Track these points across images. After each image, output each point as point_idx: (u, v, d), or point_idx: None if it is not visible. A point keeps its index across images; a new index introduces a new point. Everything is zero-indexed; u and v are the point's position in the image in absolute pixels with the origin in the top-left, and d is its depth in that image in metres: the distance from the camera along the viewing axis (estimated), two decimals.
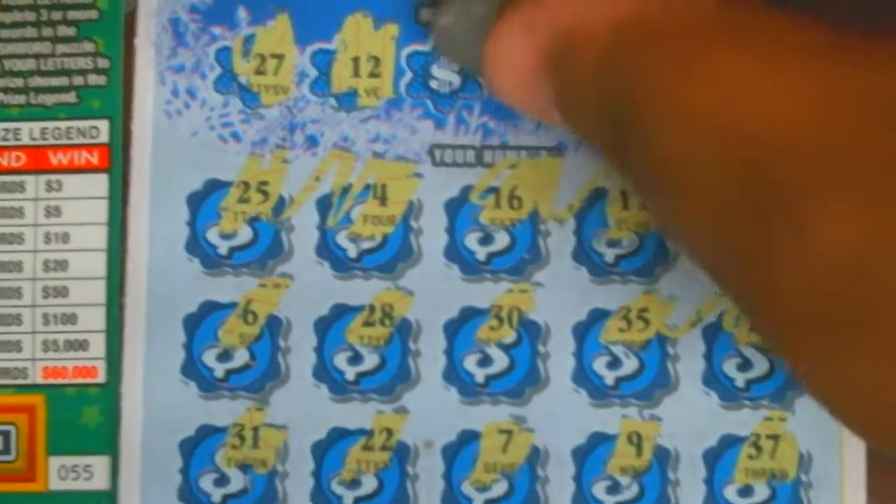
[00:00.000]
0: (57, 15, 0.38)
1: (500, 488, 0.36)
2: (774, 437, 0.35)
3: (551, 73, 0.30)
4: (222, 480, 0.36)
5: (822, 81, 0.24)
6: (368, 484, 0.36)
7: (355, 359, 0.36)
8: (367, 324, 0.36)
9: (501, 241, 0.36)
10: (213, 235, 0.37)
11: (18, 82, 0.37)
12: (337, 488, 0.36)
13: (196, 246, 0.37)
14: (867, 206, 0.22)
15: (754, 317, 0.26)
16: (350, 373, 0.36)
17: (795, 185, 0.23)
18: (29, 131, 0.37)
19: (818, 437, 0.35)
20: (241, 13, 0.37)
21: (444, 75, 0.36)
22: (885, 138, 0.23)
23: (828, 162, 0.23)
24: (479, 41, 0.31)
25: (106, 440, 0.37)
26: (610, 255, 0.36)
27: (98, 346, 0.37)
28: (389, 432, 0.36)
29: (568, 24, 0.29)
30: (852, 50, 0.24)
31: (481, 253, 0.36)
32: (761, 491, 0.36)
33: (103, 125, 0.37)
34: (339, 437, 0.36)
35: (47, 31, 0.38)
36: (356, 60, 0.37)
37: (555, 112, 0.31)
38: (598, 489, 0.36)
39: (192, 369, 0.36)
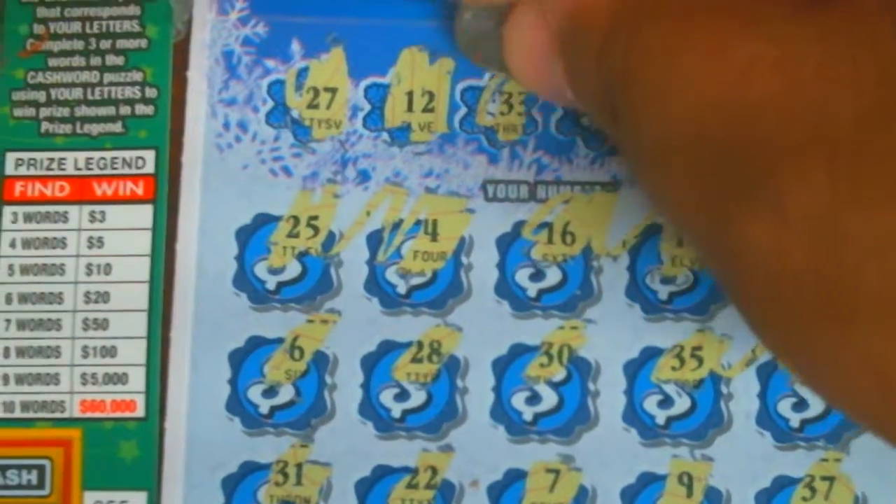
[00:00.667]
0: (105, 44, 0.38)
1: None
2: (829, 479, 0.35)
3: (561, 54, 0.31)
4: None
5: (793, 45, 0.24)
6: None
7: (402, 396, 0.36)
8: (415, 360, 0.36)
9: (553, 277, 0.36)
10: (261, 270, 0.36)
11: (65, 111, 0.37)
12: None
13: (244, 280, 0.36)
14: (839, 166, 0.23)
15: (733, 293, 0.27)
16: (396, 410, 0.36)
17: (769, 148, 0.24)
18: (74, 161, 0.37)
19: (874, 479, 0.35)
20: (295, 46, 0.37)
21: (503, 109, 0.37)
22: (854, 99, 0.23)
23: (800, 124, 0.24)
24: (499, 35, 0.32)
25: (143, 475, 0.36)
26: (663, 292, 0.36)
27: (138, 379, 0.36)
28: (434, 470, 0.36)
29: (575, 6, 0.30)
30: (819, 13, 0.25)
31: (532, 289, 0.36)
32: None
33: (149, 155, 0.37)
34: (383, 474, 0.36)
35: (95, 60, 0.38)
36: (410, 95, 0.37)
37: (567, 92, 0.31)
38: None
39: (237, 405, 0.36)
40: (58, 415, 0.36)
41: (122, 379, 0.36)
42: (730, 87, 0.25)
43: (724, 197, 0.25)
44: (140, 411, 0.36)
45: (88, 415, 0.36)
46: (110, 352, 0.37)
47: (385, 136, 0.37)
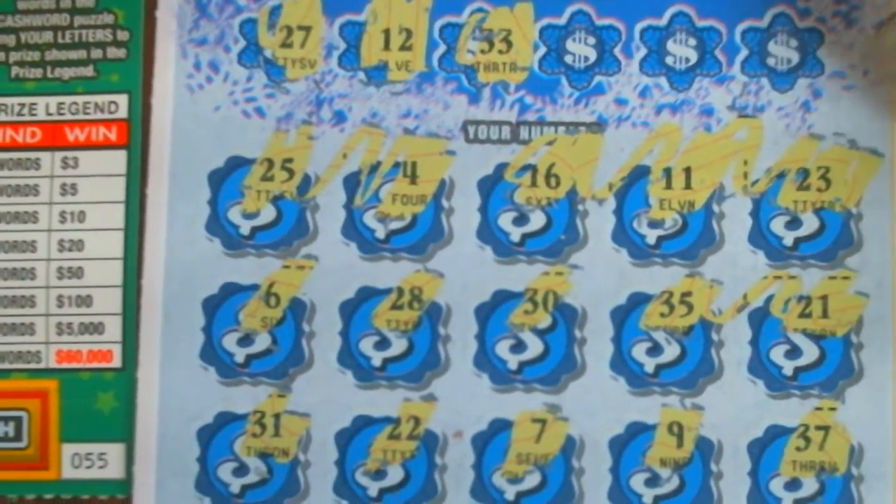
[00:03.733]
0: None
1: (532, 480, 0.34)
2: (824, 429, 0.34)
3: None
4: (241, 470, 0.35)
5: None
6: (394, 474, 0.35)
7: (382, 344, 0.35)
8: (395, 307, 0.35)
9: (537, 221, 0.35)
10: (234, 215, 0.35)
11: (35, 55, 0.36)
12: (361, 479, 0.35)
13: (217, 225, 0.35)
14: None
15: None
16: (376, 358, 0.35)
17: None
18: (45, 106, 0.36)
19: (871, 429, 0.34)
20: None
21: (483, 47, 0.35)
22: None
23: None
24: None
25: (121, 427, 0.35)
26: (651, 236, 0.35)
27: (114, 329, 0.36)
28: (417, 421, 0.35)
29: None
30: None
31: (516, 234, 0.35)
32: (809, 485, 0.34)
33: (122, 100, 0.36)
34: (364, 425, 0.35)
35: (65, 2, 0.36)
36: (387, 32, 0.35)
37: None
38: (636, 482, 0.34)
39: (212, 354, 0.35)
40: (34, 365, 0.36)
41: (98, 328, 0.36)
42: None
43: None
44: (117, 361, 0.35)
45: (65, 365, 0.36)
46: (86, 301, 0.36)
47: (361, 75, 0.35)
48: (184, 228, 0.35)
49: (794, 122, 0.35)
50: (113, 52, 0.36)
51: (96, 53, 0.36)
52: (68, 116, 0.36)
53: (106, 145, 0.36)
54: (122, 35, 0.36)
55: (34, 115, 0.36)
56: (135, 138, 0.36)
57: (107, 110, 0.36)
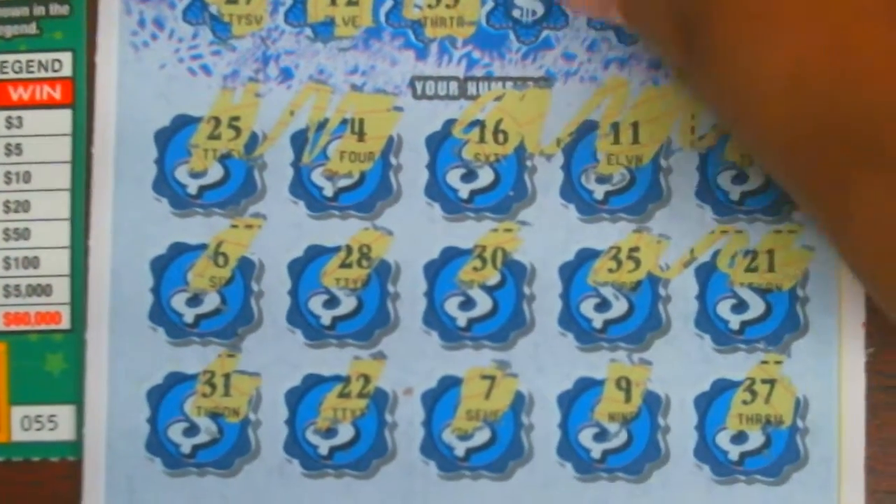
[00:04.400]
0: None
1: (482, 436, 0.35)
2: (770, 382, 0.34)
3: None
4: (192, 430, 0.35)
5: None
6: (345, 432, 0.35)
7: (331, 302, 0.35)
8: (344, 265, 0.35)
9: (485, 177, 0.35)
10: (181, 174, 0.35)
11: None
12: (312, 437, 0.35)
13: (164, 185, 0.35)
14: None
15: (837, 242, 0.26)
16: (326, 317, 0.35)
17: (881, 105, 0.22)
18: None
19: (816, 382, 0.34)
20: None
21: (430, 2, 0.35)
22: None
23: None
24: None
25: (71, 388, 0.35)
26: (599, 191, 0.35)
27: (62, 290, 0.35)
28: (367, 379, 0.35)
29: None
30: None
31: (464, 190, 0.35)
32: (755, 438, 0.34)
33: (66, 58, 0.36)
34: (314, 384, 0.35)
35: None
36: None
37: (614, 8, 0.29)
38: (585, 436, 0.34)
39: (161, 314, 0.35)
40: None
41: (45, 290, 0.35)
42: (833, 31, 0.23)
43: (826, 146, 0.24)
44: (65, 323, 0.35)
45: (13, 328, 0.35)
46: (33, 262, 0.35)
47: (308, 31, 0.35)
48: (131, 188, 0.35)
49: None
50: (56, 9, 0.36)
51: (39, 10, 0.36)
52: (11, 75, 0.36)
53: (50, 104, 0.35)
54: None
55: None
56: (80, 97, 0.35)
57: (50, 68, 0.36)
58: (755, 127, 0.26)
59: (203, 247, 0.35)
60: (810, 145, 0.25)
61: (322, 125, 0.35)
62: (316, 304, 0.35)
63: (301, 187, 0.35)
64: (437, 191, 0.35)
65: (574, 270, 0.34)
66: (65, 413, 0.35)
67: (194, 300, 0.35)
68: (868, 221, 0.24)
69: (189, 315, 0.35)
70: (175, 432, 0.35)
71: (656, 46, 0.32)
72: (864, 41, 0.23)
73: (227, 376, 0.35)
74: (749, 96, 0.25)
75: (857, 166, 0.24)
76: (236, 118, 0.35)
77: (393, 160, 0.35)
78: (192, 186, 0.35)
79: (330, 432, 0.35)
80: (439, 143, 0.35)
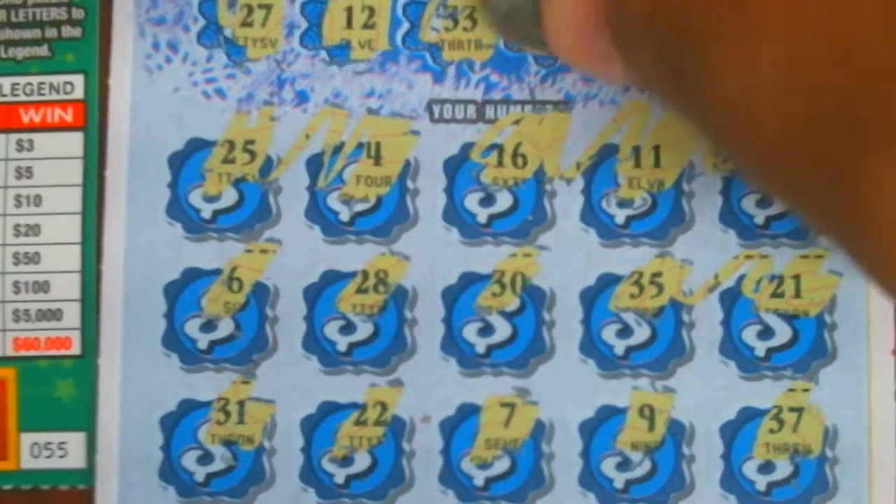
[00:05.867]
0: None
1: (501, 465, 0.34)
2: (798, 410, 0.33)
3: (607, 22, 0.28)
4: (206, 458, 0.34)
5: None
6: (361, 461, 0.34)
7: (347, 328, 0.34)
8: (361, 291, 0.34)
9: (504, 201, 0.34)
10: (195, 198, 0.34)
11: None
12: (328, 466, 0.34)
13: (178, 209, 0.34)
14: None
15: (856, 252, 0.24)
16: (342, 343, 0.34)
17: (874, 119, 0.21)
18: None
19: (845, 410, 0.33)
20: None
21: (447, 24, 0.34)
22: None
23: None
24: (536, 10, 0.30)
25: (81, 415, 0.34)
26: (620, 215, 0.34)
27: (72, 315, 0.35)
28: (384, 406, 0.34)
29: None
30: None
31: (482, 215, 0.34)
32: (783, 467, 0.33)
33: (78, 80, 0.35)
34: (330, 411, 0.34)
35: None
36: (349, 10, 0.34)
37: (616, 64, 0.29)
38: (607, 466, 0.34)
39: (174, 340, 0.34)
40: None
41: (56, 315, 0.35)
42: (829, 13, 0.22)
43: (840, 143, 0.22)
44: (76, 349, 0.35)
45: (22, 353, 0.35)
46: (43, 287, 0.35)
47: (323, 54, 0.35)
48: (143, 212, 0.34)
49: None
50: (68, 31, 0.35)
51: (51, 32, 0.35)
52: (22, 97, 0.35)
53: (62, 127, 0.35)
54: (78, 13, 0.35)
55: None
56: (92, 120, 0.35)
57: (62, 91, 0.35)
58: (756, 142, 0.25)
59: (217, 272, 0.34)
60: (815, 145, 0.23)
61: (338, 149, 0.34)
62: (332, 330, 0.34)
63: (317, 212, 0.34)
64: (454, 215, 0.34)
65: (595, 296, 0.34)
66: (75, 440, 0.35)
67: (208, 326, 0.34)
68: (890, 216, 0.23)
69: (203, 341, 0.34)
70: (189, 460, 0.34)
71: (650, 90, 0.31)
72: (862, 13, 0.22)
73: (241, 403, 0.34)
74: (746, 109, 0.24)
75: (869, 153, 0.22)
76: (251, 142, 0.34)
77: (410, 184, 0.34)
78: (206, 211, 0.34)
79: (346, 461, 0.34)
80: (457, 166, 0.34)
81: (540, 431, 0.34)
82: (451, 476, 0.34)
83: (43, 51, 0.35)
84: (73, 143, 0.35)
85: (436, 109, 0.34)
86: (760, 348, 0.34)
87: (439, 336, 0.34)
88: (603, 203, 0.34)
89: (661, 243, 0.34)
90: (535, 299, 0.34)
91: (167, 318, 0.34)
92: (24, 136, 0.35)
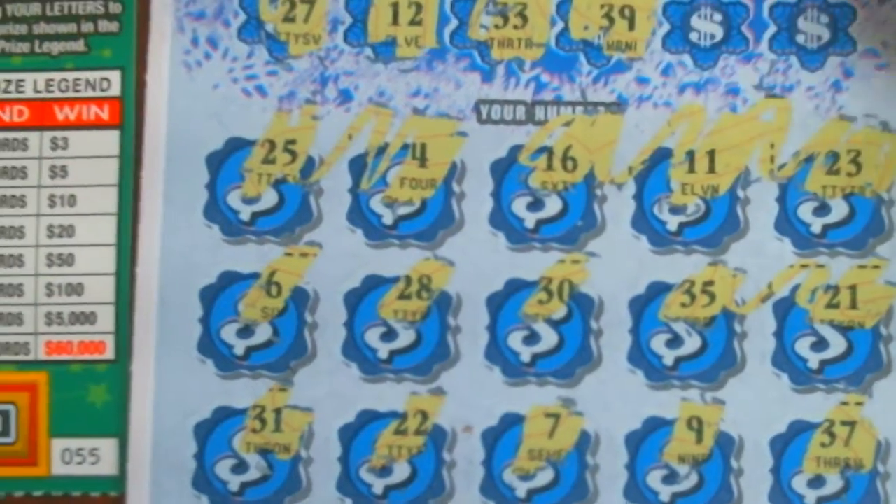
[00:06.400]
0: None
1: (545, 477, 0.33)
2: (850, 424, 0.33)
3: None
4: (241, 467, 0.33)
5: None
6: (401, 471, 0.33)
7: (389, 335, 0.33)
8: (403, 297, 0.33)
9: (553, 206, 0.33)
10: (234, 199, 0.34)
11: (22, 29, 0.35)
12: (366, 476, 0.33)
13: (216, 211, 0.34)
14: None
15: None
16: (383, 350, 0.33)
17: None
18: (33, 83, 0.34)
19: None
20: None
21: (497, 21, 0.34)
22: None
23: None
24: None
25: (114, 421, 0.34)
26: (673, 222, 0.33)
27: (106, 319, 0.34)
28: (424, 415, 0.33)
29: None
30: None
31: (530, 220, 0.33)
32: (834, 482, 0.33)
33: (115, 76, 0.34)
34: (369, 420, 0.33)
35: None
36: (395, 6, 0.34)
37: None
38: (654, 478, 0.33)
39: (210, 346, 0.34)
40: (22, 357, 0.34)
41: (89, 319, 0.34)
42: None
43: None
44: (109, 353, 0.34)
45: (55, 357, 0.34)
46: (76, 289, 0.34)
47: (368, 51, 0.34)
48: (180, 214, 0.34)
49: (823, 102, 0.33)
50: (105, 26, 0.35)
51: (87, 27, 0.35)
52: (57, 94, 0.35)
53: (98, 125, 0.34)
54: (115, 8, 0.35)
55: (21, 92, 0.35)
56: (128, 118, 0.34)
57: (98, 87, 0.35)
58: None
59: (255, 276, 0.34)
60: None
61: (382, 150, 0.34)
62: (373, 336, 0.33)
63: (359, 215, 0.34)
64: (501, 219, 0.33)
65: (644, 304, 0.33)
66: (107, 446, 0.34)
67: (245, 331, 0.34)
68: None
69: (239, 347, 0.34)
70: (223, 469, 0.33)
71: None
72: None
73: (278, 411, 0.33)
74: None
75: None
76: (292, 141, 0.34)
77: (456, 187, 0.34)
78: (245, 212, 0.34)
79: (385, 471, 0.33)
80: (505, 169, 0.34)
81: (585, 443, 0.33)
82: (492, 487, 0.33)
83: (79, 46, 0.35)
84: (109, 141, 0.34)
85: (483, 110, 0.34)
86: (814, 360, 0.33)
87: (483, 344, 0.33)
88: (655, 209, 0.33)
89: (714, 251, 0.33)
90: (582, 307, 0.33)
91: (203, 323, 0.34)
92: (59, 133, 0.34)
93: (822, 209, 0.33)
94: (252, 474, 0.33)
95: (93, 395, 0.34)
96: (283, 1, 0.34)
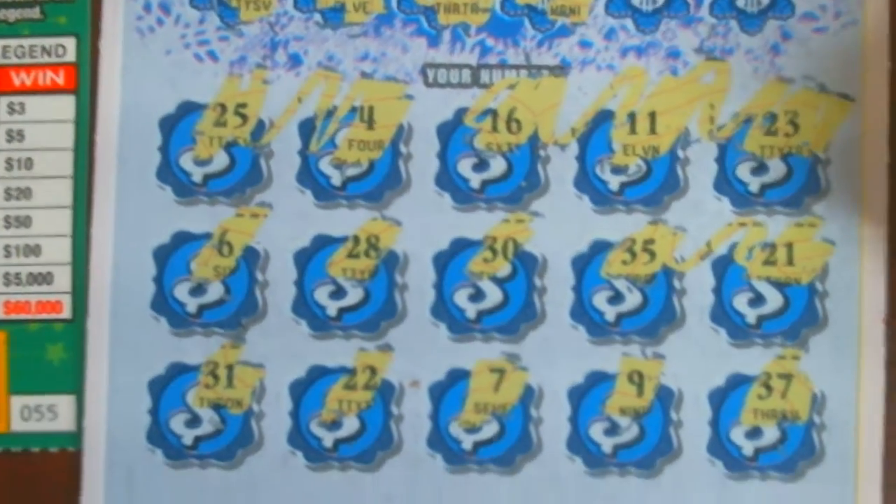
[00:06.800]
0: None
1: (490, 430, 0.34)
2: (786, 377, 0.33)
3: None
4: (194, 421, 0.34)
5: None
6: (350, 425, 0.34)
7: (338, 293, 0.34)
8: (351, 256, 0.34)
9: (497, 167, 0.34)
10: (186, 161, 0.34)
11: None
12: (316, 429, 0.34)
13: (168, 173, 0.34)
14: None
15: None
16: (332, 308, 0.34)
17: None
18: None
19: (834, 377, 0.33)
20: None
21: None
22: None
23: None
24: None
25: (71, 378, 0.34)
26: (614, 182, 0.34)
27: (63, 279, 0.35)
28: (373, 370, 0.34)
29: None
30: None
31: (475, 180, 0.34)
32: (771, 433, 0.33)
33: (70, 43, 0.35)
34: (319, 375, 0.34)
35: None
36: None
37: None
38: (596, 431, 0.34)
39: (163, 304, 0.34)
40: None
41: (46, 279, 0.35)
42: None
43: None
44: (66, 312, 0.35)
45: (13, 316, 0.35)
46: (34, 250, 0.35)
47: (317, 17, 0.34)
48: (134, 176, 0.34)
49: (762, 65, 0.34)
50: None
51: None
52: (14, 60, 0.35)
53: (53, 90, 0.35)
54: None
55: None
56: (83, 83, 0.35)
57: (54, 54, 0.35)
58: None
59: (207, 236, 0.34)
60: None
61: (331, 113, 0.34)
62: (322, 294, 0.34)
63: (308, 176, 0.34)
64: (447, 180, 0.34)
65: (587, 262, 0.34)
66: (65, 403, 0.34)
67: (197, 290, 0.34)
68: None
69: (192, 305, 0.34)
70: (177, 423, 0.34)
71: None
72: None
73: (230, 367, 0.34)
74: None
75: None
76: (243, 105, 0.34)
77: (403, 149, 0.34)
78: (197, 174, 0.34)
79: (334, 424, 0.34)
80: (450, 131, 0.34)
81: (529, 396, 0.34)
82: (439, 440, 0.34)
83: (34, 13, 0.35)
84: (65, 106, 0.35)
85: (430, 73, 0.34)
86: (751, 316, 0.34)
87: (430, 301, 0.34)
88: (597, 169, 0.34)
89: (654, 210, 0.34)
90: (526, 265, 0.34)
91: (156, 282, 0.34)
92: (16, 98, 0.35)
93: (760, 169, 0.34)
94: (205, 428, 0.34)
95: (50, 353, 0.34)
96: None
